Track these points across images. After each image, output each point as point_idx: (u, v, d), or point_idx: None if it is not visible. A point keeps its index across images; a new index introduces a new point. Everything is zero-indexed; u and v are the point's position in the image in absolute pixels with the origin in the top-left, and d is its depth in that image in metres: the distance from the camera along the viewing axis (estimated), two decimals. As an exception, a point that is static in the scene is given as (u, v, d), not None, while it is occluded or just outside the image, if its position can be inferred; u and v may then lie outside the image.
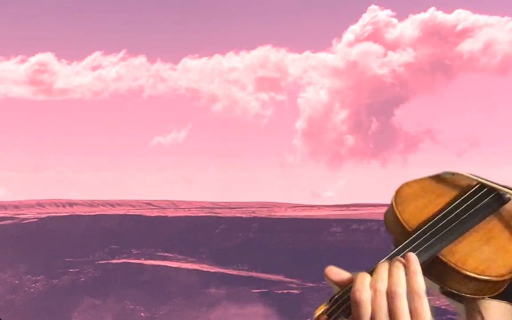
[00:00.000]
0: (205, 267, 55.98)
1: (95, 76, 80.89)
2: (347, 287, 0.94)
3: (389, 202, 1.08)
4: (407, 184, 1.07)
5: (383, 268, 0.94)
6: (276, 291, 56.64)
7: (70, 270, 58.59)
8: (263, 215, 61.11)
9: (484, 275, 0.95)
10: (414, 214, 1.01)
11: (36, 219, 61.86)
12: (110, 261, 59.11)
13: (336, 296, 0.95)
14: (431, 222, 1.00)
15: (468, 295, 0.98)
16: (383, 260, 0.96)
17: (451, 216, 1.00)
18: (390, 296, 0.91)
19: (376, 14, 79.41)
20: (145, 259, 59.70)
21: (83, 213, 62.89)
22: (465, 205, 1.01)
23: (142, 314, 56.51)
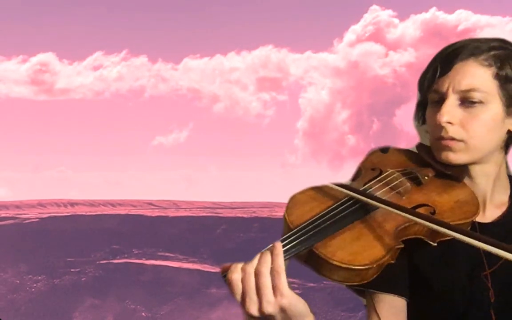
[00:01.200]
0: (206, 267, 55.98)
1: (96, 76, 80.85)
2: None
3: None
4: (300, 192, 1.29)
5: (256, 256, 1.15)
6: (277, 291, 56.59)
7: (71, 270, 58.68)
8: (264, 215, 61.12)
9: (349, 265, 1.15)
10: (299, 216, 1.22)
11: (37, 219, 61.96)
12: (111, 261, 59.19)
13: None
14: (307, 222, 1.20)
15: (339, 282, 1.17)
16: None
17: (325, 218, 1.21)
18: (256, 275, 1.12)
19: (377, 14, 79.38)
20: (146, 259, 59.77)
21: (84, 213, 62.98)
22: (338, 210, 1.23)
23: (143, 314, 56.55)
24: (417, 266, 1.31)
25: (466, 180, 1.36)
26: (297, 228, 1.19)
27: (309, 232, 1.19)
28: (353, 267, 1.16)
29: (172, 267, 58.72)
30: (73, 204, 65.51)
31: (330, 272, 1.17)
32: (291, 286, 1.15)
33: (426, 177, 1.34)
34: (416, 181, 1.33)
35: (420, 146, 1.42)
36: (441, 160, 1.35)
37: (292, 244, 1.17)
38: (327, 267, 1.17)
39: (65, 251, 58.43)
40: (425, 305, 1.33)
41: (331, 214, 1.22)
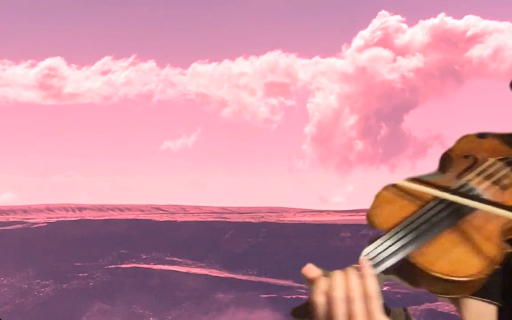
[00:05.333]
0: (214, 272, 55.96)
1: (104, 81, 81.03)
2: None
3: None
4: (385, 188, 1.12)
5: (338, 275, 1.00)
6: (285, 296, 56.53)
7: (79, 274, 58.77)
8: (272, 220, 61.09)
9: (451, 276, 0.98)
10: (388, 218, 1.06)
11: (45, 224, 62.11)
12: (119, 266, 59.27)
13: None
14: (401, 226, 1.04)
15: (439, 295, 1.01)
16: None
17: (420, 220, 1.04)
18: (347, 300, 0.97)
19: (386, 19, 79.36)
20: (154, 264, 59.84)
21: (92, 218, 63.10)
22: (433, 211, 1.06)
23: (151, 319, 56.56)
24: None
25: None
26: (391, 234, 1.04)
27: (405, 238, 1.03)
28: (456, 279, 0.98)
29: (180, 272, 58.75)
30: (81, 208, 65.67)
31: (429, 284, 1.00)
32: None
33: None
34: None
35: None
36: None
37: (386, 253, 1.02)
38: (425, 279, 1.00)
39: (73, 256, 58.57)
40: None
41: (426, 216, 1.05)
